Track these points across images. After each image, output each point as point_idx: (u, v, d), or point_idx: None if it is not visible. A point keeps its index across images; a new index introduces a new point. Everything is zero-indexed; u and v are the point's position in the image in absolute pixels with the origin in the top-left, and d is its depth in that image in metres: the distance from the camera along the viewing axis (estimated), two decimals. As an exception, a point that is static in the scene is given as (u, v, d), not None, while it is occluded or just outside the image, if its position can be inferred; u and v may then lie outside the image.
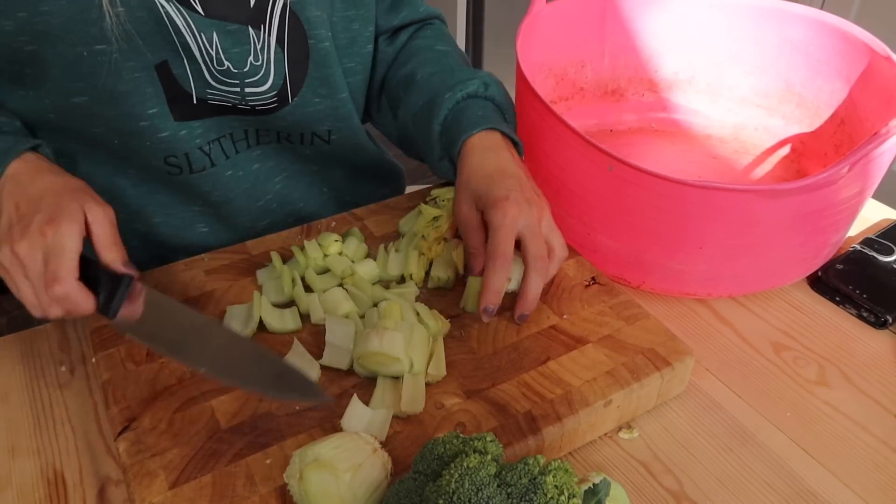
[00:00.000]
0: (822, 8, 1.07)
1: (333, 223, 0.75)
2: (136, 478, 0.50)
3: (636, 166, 0.63)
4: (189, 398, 0.56)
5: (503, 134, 0.68)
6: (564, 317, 0.64)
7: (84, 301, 0.53)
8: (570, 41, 0.92)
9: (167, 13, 0.61)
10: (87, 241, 0.55)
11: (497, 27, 2.37)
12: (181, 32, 0.62)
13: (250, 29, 0.65)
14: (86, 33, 0.58)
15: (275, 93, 0.69)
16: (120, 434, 0.53)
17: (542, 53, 0.89)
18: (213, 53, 0.64)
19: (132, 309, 0.54)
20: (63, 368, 0.64)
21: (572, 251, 0.71)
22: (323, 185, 0.84)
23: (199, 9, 0.62)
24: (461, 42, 2.29)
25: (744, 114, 0.95)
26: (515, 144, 0.69)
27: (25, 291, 0.54)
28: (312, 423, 0.54)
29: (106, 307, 0.54)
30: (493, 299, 0.59)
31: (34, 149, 0.60)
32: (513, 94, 0.78)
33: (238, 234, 0.79)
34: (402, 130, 0.78)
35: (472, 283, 0.64)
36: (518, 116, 0.78)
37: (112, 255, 0.55)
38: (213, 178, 0.73)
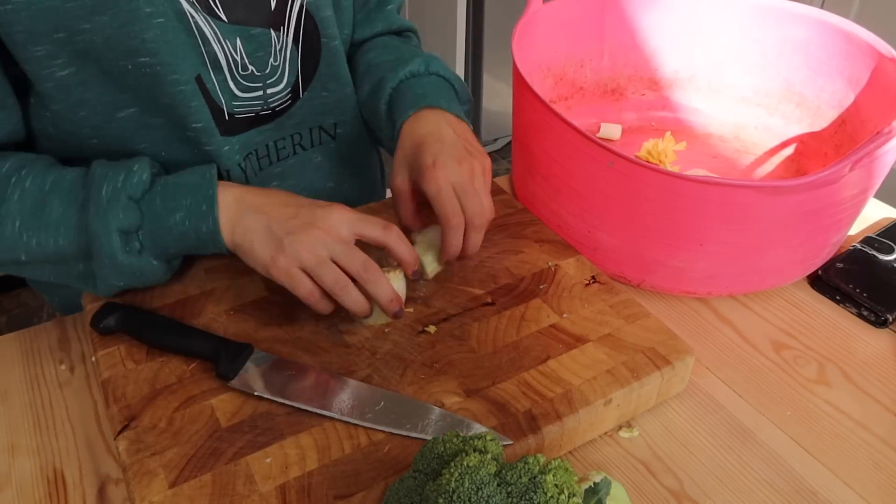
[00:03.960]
0: (822, 7, 1.07)
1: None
2: (136, 477, 0.50)
3: (637, 161, 0.63)
4: (189, 397, 0.56)
5: (441, 110, 0.70)
6: (564, 315, 0.64)
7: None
8: (568, 40, 0.92)
9: (196, 23, 0.61)
10: None
11: (497, 27, 2.37)
12: (209, 42, 0.63)
13: (272, 31, 0.67)
14: (128, 47, 0.58)
15: (289, 89, 0.72)
16: (120, 433, 0.53)
17: (540, 53, 0.89)
18: (238, 59, 0.66)
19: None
20: (63, 367, 0.64)
21: (573, 250, 0.71)
22: (338, 199, 0.84)
23: (223, 15, 0.63)
24: (461, 42, 2.29)
25: (744, 113, 0.95)
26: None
27: (326, 271, 0.57)
28: (313, 422, 0.54)
29: (227, 371, 0.57)
30: (452, 254, 0.64)
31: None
32: (512, 94, 0.78)
33: None
34: (362, 111, 0.81)
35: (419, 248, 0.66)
36: (516, 116, 0.78)
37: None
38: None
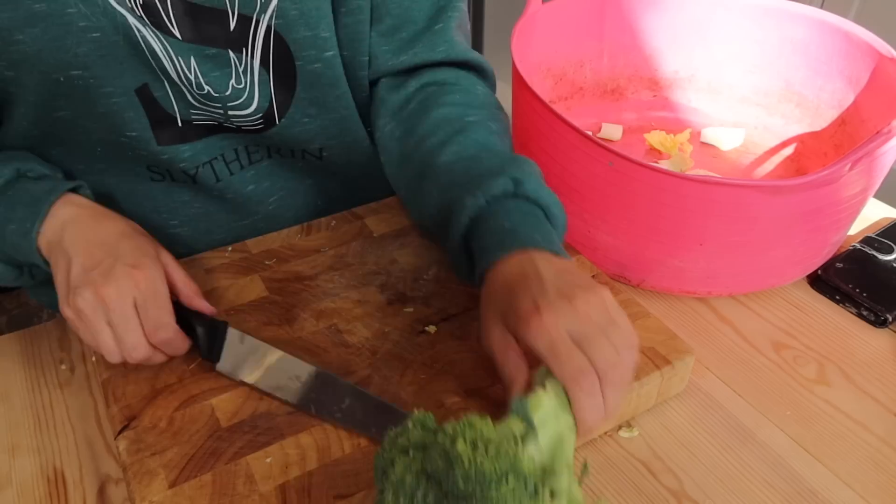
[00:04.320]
0: (821, 7, 1.07)
1: (333, 222, 0.75)
2: (136, 476, 0.50)
3: (636, 161, 0.63)
4: (189, 397, 0.56)
5: (536, 249, 0.52)
6: (564, 315, 0.64)
7: (182, 345, 0.56)
8: (568, 41, 0.92)
9: (143, 38, 0.58)
10: None
11: (497, 27, 2.37)
12: (158, 57, 0.60)
13: (231, 53, 0.62)
14: (61, 60, 0.57)
15: (260, 115, 0.67)
16: (120, 433, 0.53)
17: (540, 53, 0.89)
18: (192, 78, 0.62)
19: (231, 353, 0.57)
20: (63, 367, 0.64)
21: (572, 250, 0.71)
22: (318, 199, 0.82)
23: (176, 33, 0.60)
24: (461, 42, 2.29)
25: (744, 113, 0.95)
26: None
27: (104, 337, 0.53)
28: (313, 422, 0.54)
29: (209, 353, 0.57)
30: (592, 422, 0.45)
31: (74, 190, 0.61)
32: (511, 95, 0.78)
33: (213, 244, 0.74)
34: (422, 221, 0.69)
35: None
36: (516, 116, 0.78)
37: (201, 299, 0.58)
38: (197, 191, 0.73)
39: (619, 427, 0.59)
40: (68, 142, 0.66)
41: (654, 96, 0.98)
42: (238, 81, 0.64)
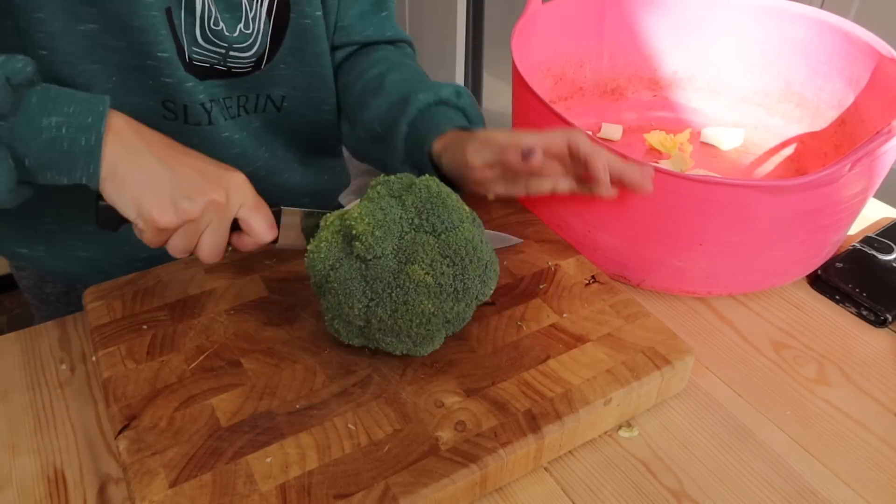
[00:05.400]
0: (821, 7, 1.07)
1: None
2: (137, 476, 0.50)
3: (636, 160, 0.63)
4: (189, 396, 0.56)
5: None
6: (564, 315, 0.64)
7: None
8: (568, 41, 0.92)
9: None
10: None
11: (497, 27, 2.37)
12: None
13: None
14: None
15: (254, 59, 0.71)
16: (120, 432, 0.53)
17: (540, 53, 0.89)
18: (213, 13, 0.65)
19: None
20: (63, 366, 0.64)
21: (572, 250, 0.71)
22: (271, 170, 0.83)
23: None
24: (461, 42, 2.29)
25: (744, 113, 0.95)
26: None
27: (206, 241, 0.57)
28: (313, 422, 0.54)
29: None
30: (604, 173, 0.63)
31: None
32: (511, 94, 0.78)
33: None
34: (365, 134, 0.78)
35: None
36: (516, 116, 0.78)
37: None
38: (206, 134, 0.72)
39: (620, 427, 0.60)
40: (80, 67, 0.63)
41: (654, 96, 0.98)
42: (246, 27, 0.69)
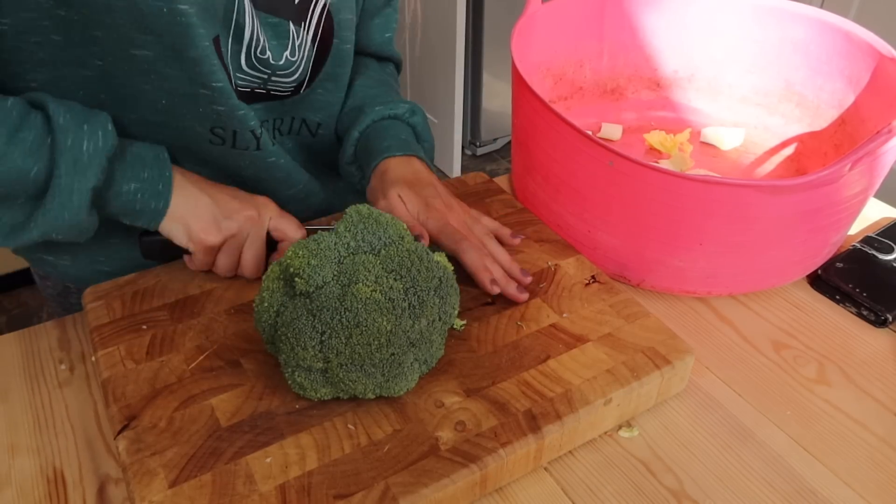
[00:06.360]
0: (821, 7, 1.07)
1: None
2: (136, 476, 0.50)
3: (636, 160, 0.63)
4: (189, 396, 0.56)
5: (421, 160, 0.73)
6: (564, 315, 0.64)
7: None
8: (568, 41, 0.92)
9: None
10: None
11: (497, 27, 2.37)
12: (243, 12, 0.63)
13: (290, 25, 0.68)
14: None
15: (296, 85, 0.73)
16: (120, 432, 0.53)
17: (540, 53, 0.89)
18: (263, 41, 0.66)
19: None
20: (63, 367, 0.64)
21: (572, 250, 0.71)
22: (302, 192, 0.83)
23: None
24: (461, 42, 2.30)
25: (744, 112, 0.95)
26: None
27: (245, 253, 0.66)
28: (313, 422, 0.54)
29: None
30: (487, 274, 0.65)
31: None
32: (511, 94, 0.78)
33: None
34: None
35: None
36: (515, 116, 0.78)
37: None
38: (253, 158, 0.72)
39: (620, 427, 0.59)
40: (129, 88, 0.64)
41: (655, 96, 0.98)
42: (293, 54, 0.70)
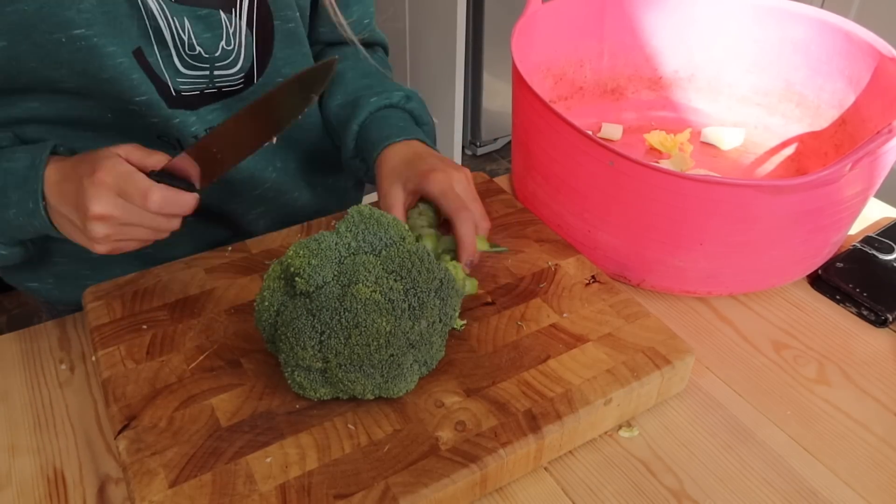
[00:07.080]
0: (822, 7, 1.07)
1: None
2: (136, 476, 0.50)
3: (637, 160, 0.63)
4: (189, 396, 0.56)
5: (421, 142, 0.72)
6: (564, 315, 0.64)
7: (180, 194, 0.57)
8: (568, 41, 0.92)
9: None
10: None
11: (497, 27, 2.37)
12: (154, 17, 0.62)
13: (221, 13, 0.65)
14: (62, 17, 0.57)
15: (242, 74, 0.70)
16: (120, 432, 0.53)
17: (540, 53, 0.89)
18: (185, 38, 0.64)
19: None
20: (63, 366, 0.64)
21: (572, 250, 0.71)
22: (287, 181, 0.83)
23: None
24: (461, 42, 2.29)
25: (744, 112, 0.95)
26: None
27: (140, 231, 0.57)
28: (313, 422, 0.54)
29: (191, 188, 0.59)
30: (471, 249, 0.63)
31: (53, 151, 0.61)
32: (511, 94, 0.78)
33: (229, 223, 0.79)
34: (326, 120, 0.81)
35: None
36: (516, 116, 0.78)
37: (156, 156, 0.58)
38: None
39: (620, 427, 0.59)
40: (76, 111, 0.64)
41: (655, 96, 0.98)
42: (228, 43, 0.67)
